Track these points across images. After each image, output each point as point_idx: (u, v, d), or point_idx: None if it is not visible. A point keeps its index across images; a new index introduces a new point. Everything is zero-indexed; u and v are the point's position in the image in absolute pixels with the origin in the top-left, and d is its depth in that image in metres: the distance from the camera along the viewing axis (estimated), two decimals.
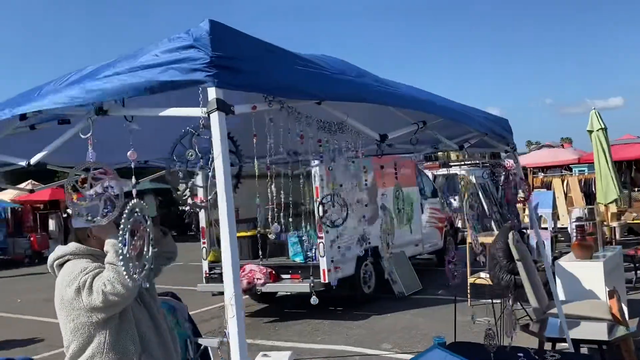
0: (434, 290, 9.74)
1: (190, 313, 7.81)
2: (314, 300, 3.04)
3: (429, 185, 12.51)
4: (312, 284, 7.93)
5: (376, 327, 7.67)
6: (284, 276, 8.52)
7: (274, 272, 8.46)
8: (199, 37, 1.57)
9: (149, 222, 1.95)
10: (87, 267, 2.34)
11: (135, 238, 1.84)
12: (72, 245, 2.53)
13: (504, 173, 3.78)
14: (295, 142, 2.16)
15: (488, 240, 7.87)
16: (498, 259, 6.83)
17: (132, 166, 1.84)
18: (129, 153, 1.83)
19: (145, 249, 1.92)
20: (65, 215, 20.96)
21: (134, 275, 1.83)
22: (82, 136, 1.84)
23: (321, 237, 8.06)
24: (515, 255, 5.68)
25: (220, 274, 9.04)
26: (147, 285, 2.56)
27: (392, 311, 8.43)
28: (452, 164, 15.16)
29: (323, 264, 8.08)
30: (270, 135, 1.97)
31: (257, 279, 8.33)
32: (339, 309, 8.79)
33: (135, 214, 1.83)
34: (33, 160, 2.24)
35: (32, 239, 19.49)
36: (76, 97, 1.74)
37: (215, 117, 1.53)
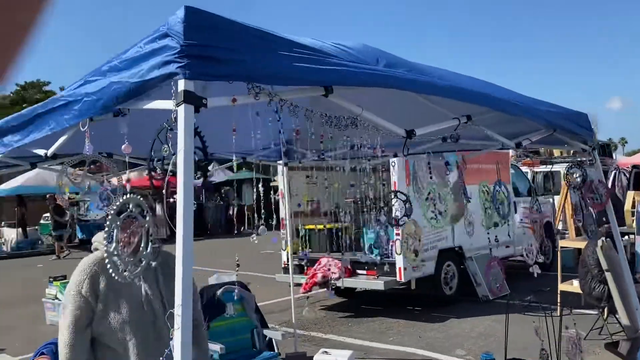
0: (522, 295, 9.10)
1: (267, 302, 7.94)
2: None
3: (525, 183, 11.72)
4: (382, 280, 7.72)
5: (452, 330, 7.29)
6: (359, 272, 8.37)
7: (349, 267, 8.33)
8: (172, 25, 1.47)
9: (147, 218, 1.90)
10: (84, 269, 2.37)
11: (126, 235, 1.80)
12: (100, 235, 2.56)
13: (581, 174, 3.36)
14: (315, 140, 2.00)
15: (581, 244, 7.19)
16: (589, 266, 6.20)
17: (127, 160, 1.80)
18: (123, 147, 1.79)
19: (142, 245, 1.87)
20: (171, 200, 22.26)
21: (124, 273, 1.78)
22: (82, 128, 1.83)
23: (398, 234, 7.81)
24: (604, 265, 5.10)
25: (298, 265, 9.10)
26: (141, 283, 2.48)
27: (473, 315, 7.98)
28: (554, 160, 14.10)
29: (399, 261, 7.82)
30: (256, 130, 1.84)
31: (332, 273, 8.25)
32: (417, 309, 8.49)
33: (129, 210, 1.79)
34: (50, 152, 2.28)
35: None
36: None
37: (182, 110, 1.43)
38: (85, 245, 20.40)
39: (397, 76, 1.92)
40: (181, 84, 1.43)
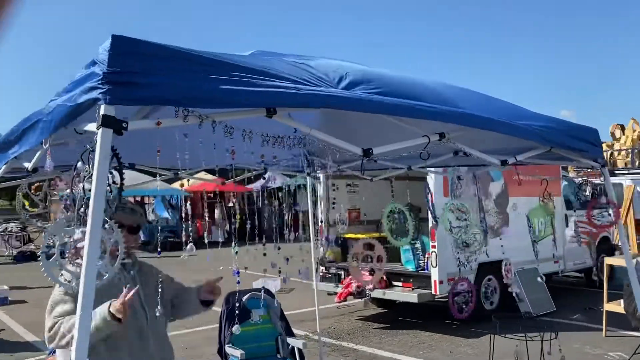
0: (569, 313, 8.69)
1: (302, 310, 8.02)
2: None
3: (578, 196, 11.17)
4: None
5: (486, 347, 7.05)
6: (395, 283, 8.28)
7: (385, 277, 8.26)
8: (100, 53, 1.57)
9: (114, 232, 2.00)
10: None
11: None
12: None
13: (591, 189, 3.19)
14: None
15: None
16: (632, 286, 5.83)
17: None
18: (46, 164, 1.90)
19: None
20: (230, 205, 22.93)
21: (67, 282, 1.89)
22: (44, 146, 1.97)
23: (434, 246, 7.67)
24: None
25: (335, 274, 9.11)
26: (122, 286, 2.60)
27: (512, 332, 7.69)
28: (616, 172, 13.36)
29: (435, 274, 7.67)
30: (184, 149, 1.90)
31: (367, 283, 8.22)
32: (455, 324, 8.28)
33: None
34: (30, 166, 2.46)
35: (197, 225, 21.56)
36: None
37: (100, 134, 1.51)
38: (146, 247, 21.37)
39: (342, 96, 1.93)
40: (103, 109, 1.52)
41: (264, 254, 3.27)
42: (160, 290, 2.85)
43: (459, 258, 8.05)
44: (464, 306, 3.64)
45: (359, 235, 9.20)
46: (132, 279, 2.72)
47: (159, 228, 21.12)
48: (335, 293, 8.88)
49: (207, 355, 6.77)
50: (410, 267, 8.11)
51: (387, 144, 2.23)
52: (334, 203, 9.52)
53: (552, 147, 2.87)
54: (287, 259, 4.49)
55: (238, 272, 4.68)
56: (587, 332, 7.66)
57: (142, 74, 1.57)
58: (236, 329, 4.99)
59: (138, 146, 2.82)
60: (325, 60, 2.32)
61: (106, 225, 1.88)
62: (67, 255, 1.88)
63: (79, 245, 1.93)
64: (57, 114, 1.74)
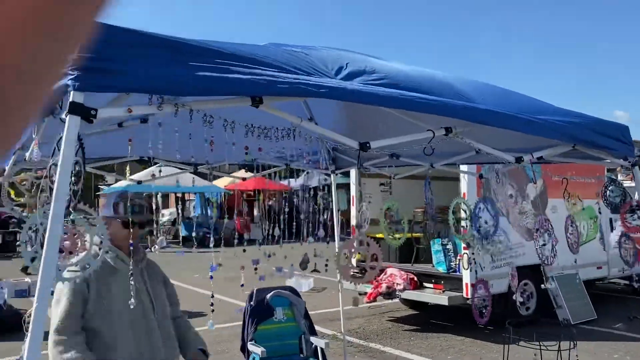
0: (611, 322, 8.28)
1: (333, 310, 7.94)
2: None
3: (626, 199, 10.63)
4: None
5: (518, 354, 6.79)
6: (426, 285, 8.08)
7: (415, 278, 8.08)
8: None
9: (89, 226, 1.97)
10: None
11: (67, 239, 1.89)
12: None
13: (621, 194, 2.99)
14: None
15: None
16: None
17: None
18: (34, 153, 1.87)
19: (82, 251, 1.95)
20: (270, 203, 23.11)
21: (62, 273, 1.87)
22: (33, 135, 1.95)
23: (466, 248, 7.43)
24: None
25: (364, 274, 8.95)
26: (131, 279, 2.60)
27: (539, 339, 7.38)
28: None
29: (466, 277, 7.44)
30: (157, 141, 1.83)
31: (397, 284, 8.05)
32: (489, 328, 8.01)
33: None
34: None
35: (236, 222, 21.80)
36: None
37: (67, 122, 1.47)
38: (187, 243, 21.76)
39: (327, 86, 1.83)
40: (71, 96, 1.48)
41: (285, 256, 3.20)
42: (166, 289, 2.88)
43: (490, 261, 7.80)
44: (483, 310, 3.46)
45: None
46: (140, 272, 2.72)
47: (198, 224, 21.43)
48: (366, 293, 8.75)
49: (233, 351, 6.77)
50: (442, 269, 7.90)
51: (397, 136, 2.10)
52: (369, 202, 9.39)
53: (575, 144, 2.68)
54: (315, 270, 4.40)
55: (258, 262, 4.63)
56: (629, 342, 7.27)
57: (114, 60, 1.52)
58: (263, 352, 5.00)
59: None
60: (329, 51, 2.23)
61: (89, 218, 1.85)
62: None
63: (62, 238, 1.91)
64: None
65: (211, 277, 2.91)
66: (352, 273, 9.11)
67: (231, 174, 12.87)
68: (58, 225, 1.42)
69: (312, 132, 1.99)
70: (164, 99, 1.61)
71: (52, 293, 2.33)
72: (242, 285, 3.22)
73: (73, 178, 1.51)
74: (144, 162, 4.65)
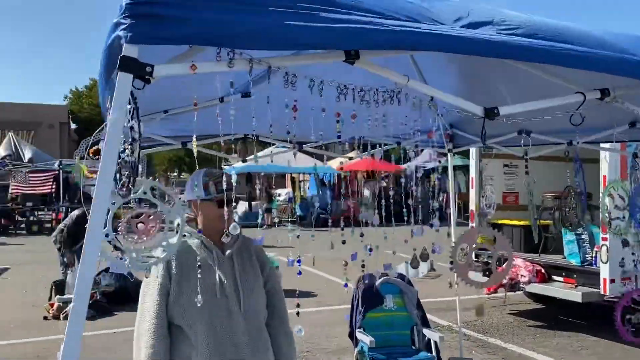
0: None
1: (448, 299, 7.46)
2: None
3: None
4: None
5: None
6: (555, 278, 7.26)
7: (543, 271, 7.30)
8: None
9: (165, 206, 1.74)
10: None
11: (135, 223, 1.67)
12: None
13: None
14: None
15: None
16: None
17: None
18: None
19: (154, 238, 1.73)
20: (384, 184, 22.79)
21: (128, 264, 1.65)
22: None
23: (605, 238, 6.52)
24: None
25: (486, 262, 8.33)
26: (215, 269, 2.36)
27: None
28: None
29: (604, 271, 6.53)
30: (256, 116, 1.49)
31: (521, 275, 7.32)
32: (631, 329, 7.04)
33: (139, 194, 1.66)
34: None
35: (349, 203, 21.73)
36: None
37: (117, 81, 1.21)
38: (302, 222, 22.11)
39: (447, 35, 1.40)
40: (123, 49, 1.22)
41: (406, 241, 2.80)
42: (264, 276, 2.55)
43: (634, 254, 6.78)
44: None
45: (515, 222, 8.27)
46: (229, 260, 2.44)
47: (312, 205, 21.65)
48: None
49: (342, 336, 6.54)
50: (575, 261, 7.04)
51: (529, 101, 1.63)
52: (490, 184, 8.70)
53: None
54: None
55: (371, 251, 4.27)
56: None
57: (174, 5, 1.23)
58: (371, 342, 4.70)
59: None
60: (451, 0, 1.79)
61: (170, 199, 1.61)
62: (119, 229, 1.65)
63: (135, 219, 1.70)
64: (101, 64, 1.48)
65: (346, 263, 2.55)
66: (472, 273, 8.52)
67: (344, 155, 12.70)
68: (103, 204, 1.17)
69: (422, 94, 1.58)
70: (234, 53, 1.30)
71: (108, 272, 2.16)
72: (346, 285, 2.86)
73: (128, 148, 1.26)
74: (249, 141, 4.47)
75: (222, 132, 3.75)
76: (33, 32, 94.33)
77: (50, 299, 7.97)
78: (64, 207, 17.24)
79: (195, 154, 1.87)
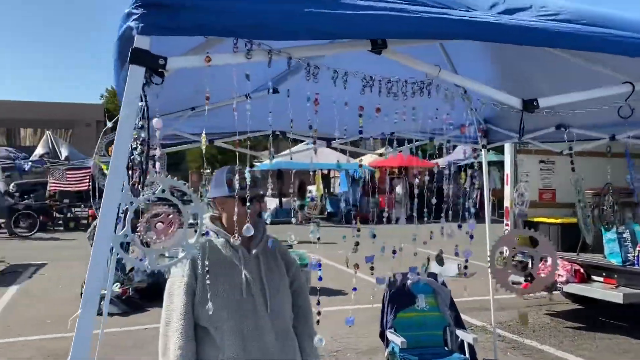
0: None
1: (482, 298, 7.28)
2: None
3: None
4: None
5: None
6: (595, 278, 6.99)
7: (582, 270, 7.03)
8: None
9: (185, 205, 1.68)
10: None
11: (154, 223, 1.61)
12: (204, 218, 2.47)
13: None
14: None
15: None
16: None
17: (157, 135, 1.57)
18: (154, 121, 1.58)
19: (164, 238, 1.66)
20: (416, 181, 22.52)
21: (144, 263, 1.59)
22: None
23: None
24: None
25: (520, 262, 8.11)
26: (242, 269, 2.29)
27: None
28: None
29: None
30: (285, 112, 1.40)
31: (559, 275, 7.07)
32: None
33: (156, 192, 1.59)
34: None
35: (380, 199, 21.55)
36: None
37: (129, 74, 1.15)
38: (332, 218, 22.05)
39: (479, 21, 1.29)
40: (135, 40, 1.15)
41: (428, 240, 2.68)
42: (289, 275, 2.49)
43: None
44: None
45: (552, 220, 8.01)
46: (255, 259, 2.38)
47: (343, 201, 21.53)
48: (520, 283, 7.88)
49: (372, 335, 6.44)
50: (616, 261, 6.76)
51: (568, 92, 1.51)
52: (526, 181, 8.45)
53: None
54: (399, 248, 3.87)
55: (394, 252, 4.15)
56: None
57: None
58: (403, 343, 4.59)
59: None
60: None
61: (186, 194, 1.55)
62: (138, 229, 1.60)
63: (154, 218, 1.64)
64: (113, 57, 1.42)
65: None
66: (511, 278, 8.27)
67: (374, 152, 12.55)
68: (112, 204, 1.11)
69: (454, 86, 1.47)
70: (252, 44, 1.22)
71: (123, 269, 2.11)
72: (355, 289, 2.74)
73: (139, 147, 1.20)
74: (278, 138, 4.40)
75: (250, 128, 3.70)
76: (69, 31, 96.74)
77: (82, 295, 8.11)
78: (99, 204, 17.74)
79: (204, 152, 1.81)
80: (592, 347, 6.28)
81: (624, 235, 6.58)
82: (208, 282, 2.17)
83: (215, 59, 1.22)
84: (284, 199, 21.60)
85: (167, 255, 1.85)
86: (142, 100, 1.15)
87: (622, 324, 7.15)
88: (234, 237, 1.94)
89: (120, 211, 1.56)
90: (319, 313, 2.38)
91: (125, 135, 1.13)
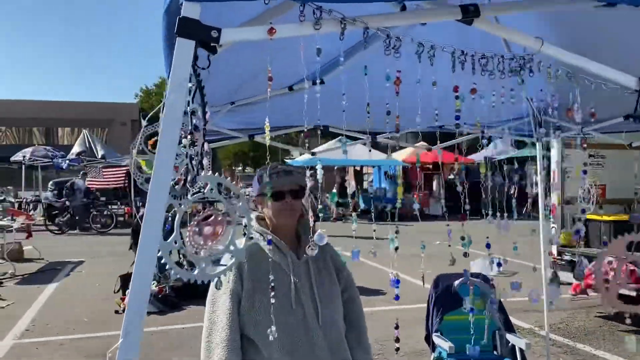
0: None
1: (524, 299, 6.95)
2: None
3: None
4: None
5: None
6: None
7: (637, 270, 6.63)
8: None
9: (231, 205, 1.48)
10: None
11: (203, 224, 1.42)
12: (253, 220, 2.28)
13: None
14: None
15: None
16: None
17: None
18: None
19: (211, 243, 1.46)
20: (452, 177, 22.03)
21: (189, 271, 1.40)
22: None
23: None
24: None
25: (570, 261, 7.71)
26: (291, 276, 2.09)
27: None
28: None
29: None
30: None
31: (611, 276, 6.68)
32: None
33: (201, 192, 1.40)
34: None
35: (415, 197, 21.19)
36: None
37: (176, 48, 0.94)
38: (366, 215, 21.78)
39: None
40: (183, 9, 0.95)
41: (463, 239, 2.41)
42: (340, 283, 2.27)
43: None
44: None
45: (604, 217, 7.61)
46: (305, 264, 2.16)
47: (377, 198, 21.24)
48: (570, 283, 7.53)
49: (416, 336, 6.19)
50: None
51: None
52: (568, 177, 8.07)
53: None
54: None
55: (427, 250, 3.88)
56: None
57: None
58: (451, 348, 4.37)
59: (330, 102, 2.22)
60: None
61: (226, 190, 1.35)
62: (187, 235, 1.40)
63: (204, 222, 1.45)
64: (162, 36, 1.22)
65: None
66: (553, 260, 7.91)
67: (413, 145, 12.27)
68: (158, 206, 0.92)
69: (561, 62, 1.23)
70: (321, 12, 1.01)
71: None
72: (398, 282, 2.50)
73: (187, 137, 1.00)
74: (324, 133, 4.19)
75: (291, 123, 3.49)
76: (104, 31, 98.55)
77: (117, 292, 8.08)
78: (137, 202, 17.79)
79: (267, 146, 1.62)
80: None
81: None
82: (252, 288, 1.98)
83: (280, 31, 1.01)
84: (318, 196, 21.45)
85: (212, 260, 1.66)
86: (191, 80, 0.95)
87: None
88: (309, 248, 1.70)
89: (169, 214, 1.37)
90: None
91: (173, 125, 0.93)
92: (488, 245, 2.71)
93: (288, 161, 19.95)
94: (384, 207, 20.48)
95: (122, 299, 7.77)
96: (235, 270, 2.07)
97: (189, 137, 1.02)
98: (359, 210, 22.11)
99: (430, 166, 23.31)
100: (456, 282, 4.96)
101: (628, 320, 2.33)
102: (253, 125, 3.73)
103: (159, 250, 1.23)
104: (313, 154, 4.51)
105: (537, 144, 4.56)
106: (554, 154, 7.99)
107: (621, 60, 1.30)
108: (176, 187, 1.11)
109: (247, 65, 2.23)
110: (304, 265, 2.15)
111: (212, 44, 0.94)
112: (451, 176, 22.00)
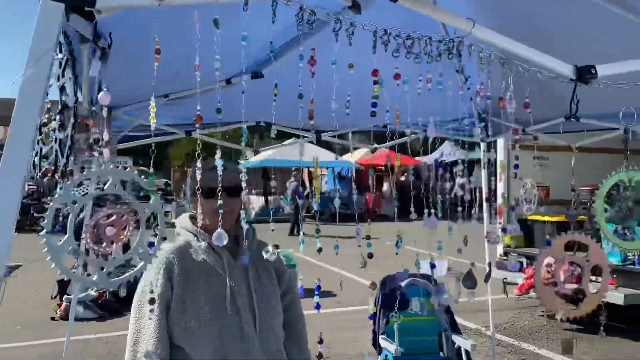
0: None
1: (476, 299, 6.95)
2: None
3: None
4: None
5: None
6: (593, 278, 6.73)
7: (573, 269, 6.78)
8: None
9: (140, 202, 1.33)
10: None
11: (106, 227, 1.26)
12: (184, 218, 2.13)
13: None
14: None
15: None
16: None
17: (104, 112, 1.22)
18: (100, 95, 1.22)
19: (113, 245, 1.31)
20: (402, 178, 22.26)
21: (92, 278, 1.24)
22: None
23: None
24: None
25: (519, 262, 7.79)
26: (226, 278, 1.95)
27: None
28: None
29: None
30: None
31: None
32: None
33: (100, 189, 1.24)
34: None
35: (367, 197, 21.26)
36: None
37: (39, 11, 0.78)
38: (321, 217, 21.70)
39: None
40: None
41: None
42: (281, 287, 2.14)
43: None
44: None
45: (547, 218, 7.76)
46: (243, 267, 2.00)
47: (330, 199, 21.22)
48: (516, 283, 7.63)
49: (363, 339, 6.12)
50: (615, 260, 6.52)
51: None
52: (520, 177, 8.20)
53: None
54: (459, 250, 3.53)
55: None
56: None
57: None
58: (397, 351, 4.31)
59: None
60: None
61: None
62: (83, 236, 1.24)
63: (102, 222, 1.28)
64: None
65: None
66: (499, 259, 8.01)
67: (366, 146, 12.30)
68: (12, 200, 0.76)
69: (491, 45, 1.14)
70: None
71: None
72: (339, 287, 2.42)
73: (57, 118, 0.84)
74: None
75: (229, 119, 3.33)
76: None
77: (53, 298, 7.68)
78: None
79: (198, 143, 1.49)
80: (592, 350, 6.03)
81: (626, 233, 6.33)
82: (183, 292, 1.83)
83: None
84: (269, 197, 21.21)
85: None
86: (62, 51, 0.80)
87: (620, 326, 6.90)
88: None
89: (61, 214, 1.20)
90: None
91: (29, 104, 0.77)
92: (439, 247, 2.63)
93: (242, 162, 19.62)
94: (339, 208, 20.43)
95: (59, 305, 7.39)
96: (164, 272, 1.91)
97: (57, 117, 0.86)
98: (313, 211, 22.11)
99: (382, 167, 23.51)
100: (404, 282, 4.91)
101: (563, 318, 2.29)
102: (190, 121, 3.55)
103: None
104: (257, 152, 4.36)
105: (482, 145, 4.56)
106: (500, 155, 8.11)
107: (559, 48, 1.22)
108: (44, 179, 0.94)
109: (182, 51, 2.04)
110: (242, 268, 2.00)
111: (86, 9, 0.79)
112: (402, 177, 22.27)
